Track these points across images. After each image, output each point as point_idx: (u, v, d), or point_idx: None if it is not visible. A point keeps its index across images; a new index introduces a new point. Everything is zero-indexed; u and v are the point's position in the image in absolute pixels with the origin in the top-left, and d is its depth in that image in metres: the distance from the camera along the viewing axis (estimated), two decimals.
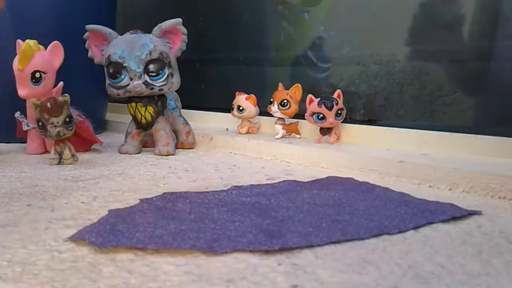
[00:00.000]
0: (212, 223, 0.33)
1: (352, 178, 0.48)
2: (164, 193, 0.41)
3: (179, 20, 0.64)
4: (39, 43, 0.63)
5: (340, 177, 0.49)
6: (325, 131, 0.64)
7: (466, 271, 0.26)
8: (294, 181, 0.47)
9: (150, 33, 0.64)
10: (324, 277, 0.25)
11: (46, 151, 0.67)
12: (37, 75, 0.62)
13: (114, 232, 0.30)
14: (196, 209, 0.36)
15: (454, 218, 0.36)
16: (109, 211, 0.36)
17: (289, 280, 0.25)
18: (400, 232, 0.32)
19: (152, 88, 0.62)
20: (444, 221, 0.35)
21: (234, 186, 0.44)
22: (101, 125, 0.92)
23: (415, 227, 0.33)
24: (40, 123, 0.55)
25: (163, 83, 0.62)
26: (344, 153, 0.56)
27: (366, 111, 0.70)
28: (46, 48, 0.64)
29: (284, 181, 0.47)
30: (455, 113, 0.62)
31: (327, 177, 0.49)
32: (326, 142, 0.64)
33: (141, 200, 0.39)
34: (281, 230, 0.31)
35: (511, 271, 0.26)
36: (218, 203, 0.38)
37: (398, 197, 0.41)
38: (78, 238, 0.30)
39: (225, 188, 0.44)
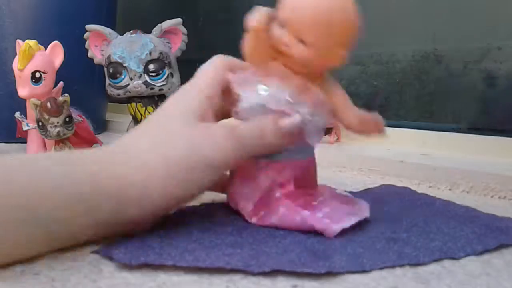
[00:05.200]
0: (250, 237, 0.30)
1: (409, 188, 0.43)
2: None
3: (179, 20, 0.64)
4: (39, 43, 0.63)
5: (396, 186, 0.44)
6: (325, 131, 0.64)
7: (466, 271, 0.26)
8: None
9: (150, 33, 0.64)
10: (324, 277, 0.25)
11: (46, 151, 0.66)
12: (37, 75, 0.62)
13: (150, 248, 0.28)
14: (234, 221, 0.33)
15: None
16: None
17: (289, 280, 0.24)
18: (467, 255, 0.28)
19: (152, 88, 0.62)
20: None
21: None
22: (101, 125, 0.92)
23: (484, 251, 0.29)
24: (40, 123, 0.55)
25: (163, 83, 0.62)
26: (344, 153, 0.56)
27: (366, 111, 0.70)
28: (46, 48, 0.64)
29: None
30: (455, 113, 0.62)
31: (380, 186, 0.44)
32: (326, 142, 0.64)
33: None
34: (327, 249, 0.28)
35: (511, 271, 0.26)
36: None
37: (463, 212, 0.36)
38: (106, 255, 0.27)
39: None
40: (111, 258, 0.27)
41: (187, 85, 0.33)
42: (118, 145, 0.31)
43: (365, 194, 0.41)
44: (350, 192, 0.39)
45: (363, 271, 0.26)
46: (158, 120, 0.32)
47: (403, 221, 0.33)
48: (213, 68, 0.32)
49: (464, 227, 0.32)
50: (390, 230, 0.31)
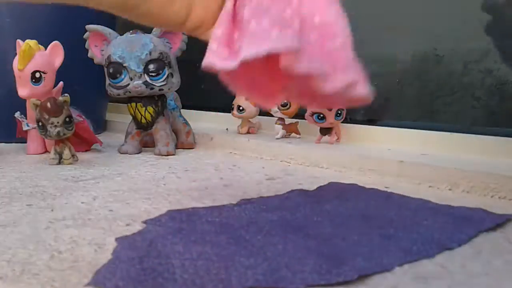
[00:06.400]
0: (252, 247, 0.28)
1: (356, 184, 0.45)
2: (169, 211, 0.36)
3: None
4: (39, 43, 0.63)
5: (343, 183, 0.46)
6: (325, 131, 0.64)
7: (466, 271, 0.26)
8: (302, 190, 0.43)
9: (150, 33, 0.64)
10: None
11: (46, 151, 0.67)
12: (37, 75, 0.62)
13: (150, 275, 0.24)
14: (221, 230, 0.31)
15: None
16: (117, 239, 0.30)
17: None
18: (459, 246, 0.30)
19: (152, 88, 0.62)
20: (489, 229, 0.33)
21: (243, 200, 0.40)
22: (101, 125, 0.92)
23: (470, 239, 0.31)
24: (40, 123, 0.55)
25: (163, 83, 0.62)
26: (344, 153, 0.56)
27: (366, 111, 0.70)
28: (46, 48, 0.64)
29: (292, 191, 0.43)
30: (455, 113, 0.62)
31: (329, 184, 0.46)
32: (326, 142, 0.64)
33: (145, 222, 0.34)
34: (338, 253, 0.27)
35: (511, 271, 0.26)
36: (240, 221, 0.33)
37: (421, 204, 0.38)
38: (109, 286, 0.23)
39: (227, 189, 0.44)
40: None
41: None
42: None
43: (322, 192, 0.42)
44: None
45: (385, 270, 0.26)
46: None
47: (380, 217, 0.34)
48: None
49: (437, 219, 0.34)
50: (375, 226, 0.32)
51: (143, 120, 0.64)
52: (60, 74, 0.65)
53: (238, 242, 0.29)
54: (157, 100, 0.64)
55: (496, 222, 0.34)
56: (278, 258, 0.26)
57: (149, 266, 0.25)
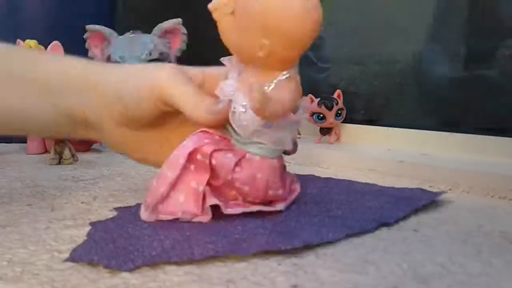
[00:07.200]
0: (214, 230, 0.31)
1: (313, 175, 0.48)
2: (138, 203, 0.38)
3: (179, 20, 0.65)
4: (39, 43, 0.63)
5: (302, 175, 0.47)
6: (325, 131, 0.65)
7: (466, 271, 0.26)
8: None
9: (150, 33, 0.64)
10: (324, 277, 0.25)
11: (46, 151, 0.67)
12: None
13: (122, 252, 0.27)
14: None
15: (454, 218, 0.36)
16: (91, 224, 0.33)
17: (289, 280, 0.24)
18: (396, 221, 0.34)
19: None
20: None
21: None
22: None
23: (405, 216, 0.35)
24: None
25: None
26: (344, 153, 0.56)
27: (366, 111, 0.70)
28: (46, 48, 0.64)
29: None
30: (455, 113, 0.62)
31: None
32: (326, 142, 0.64)
33: (116, 209, 0.37)
34: (290, 231, 0.31)
35: (511, 271, 0.26)
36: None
37: (369, 188, 0.42)
38: (85, 260, 0.26)
39: None
40: (92, 262, 0.26)
41: None
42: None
43: None
44: None
45: (328, 242, 0.29)
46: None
47: (330, 201, 0.38)
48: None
49: (379, 200, 0.38)
50: (325, 209, 0.36)
51: None
52: None
53: (202, 226, 0.32)
54: None
55: (431, 199, 0.38)
56: (237, 236, 0.30)
57: (121, 245, 0.28)
